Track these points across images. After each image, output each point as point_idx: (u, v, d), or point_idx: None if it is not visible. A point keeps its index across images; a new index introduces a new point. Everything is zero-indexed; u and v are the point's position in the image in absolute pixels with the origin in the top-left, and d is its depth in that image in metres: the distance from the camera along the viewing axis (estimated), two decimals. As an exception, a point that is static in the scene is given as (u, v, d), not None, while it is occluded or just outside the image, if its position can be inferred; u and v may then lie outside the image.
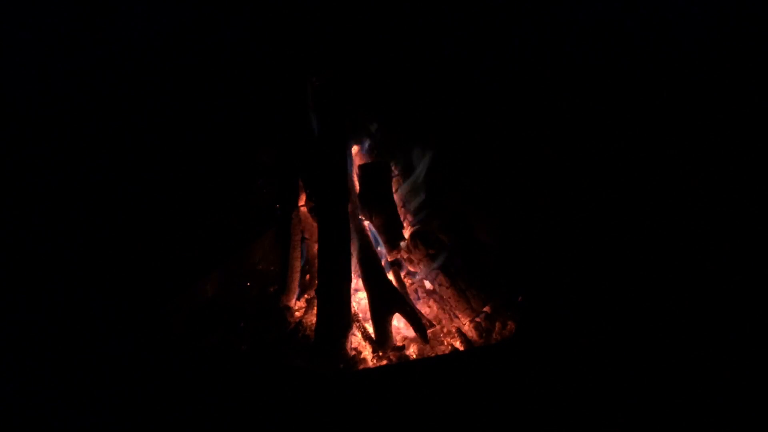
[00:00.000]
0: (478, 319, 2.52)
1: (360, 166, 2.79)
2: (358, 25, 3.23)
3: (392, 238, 2.58)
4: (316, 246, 2.65)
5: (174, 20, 3.34)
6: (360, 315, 2.56)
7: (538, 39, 3.32)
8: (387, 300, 2.40)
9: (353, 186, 2.80)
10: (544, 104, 3.19)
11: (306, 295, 2.77)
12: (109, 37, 3.31)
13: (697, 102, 3.09)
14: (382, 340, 2.35)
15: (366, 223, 2.70)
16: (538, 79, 3.29)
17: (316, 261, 2.58)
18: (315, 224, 2.69)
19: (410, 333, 2.49)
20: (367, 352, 2.38)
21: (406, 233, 2.72)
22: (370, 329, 2.47)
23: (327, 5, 3.23)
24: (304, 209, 2.81)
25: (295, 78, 3.00)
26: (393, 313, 2.38)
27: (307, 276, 2.80)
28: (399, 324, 2.55)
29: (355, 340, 2.43)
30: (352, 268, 2.49)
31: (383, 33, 3.27)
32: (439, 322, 2.57)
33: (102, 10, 3.28)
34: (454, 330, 2.49)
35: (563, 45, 3.31)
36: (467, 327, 2.49)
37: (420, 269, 2.67)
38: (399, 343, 2.40)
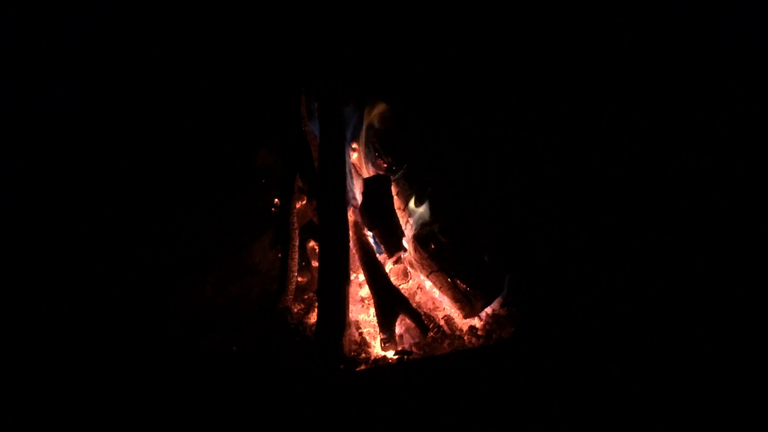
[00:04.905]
0: (478, 320, 2.53)
1: (362, 180, 2.88)
2: (363, 27, 3.24)
3: (393, 248, 2.66)
4: (317, 247, 2.66)
5: (173, 19, 3.34)
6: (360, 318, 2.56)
7: (537, 41, 3.33)
8: (393, 303, 2.44)
9: (355, 196, 2.85)
10: (543, 105, 3.20)
11: (306, 296, 2.77)
12: (106, 36, 3.30)
13: (697, 101, 3.10)
14: (388, 340, 2.37)
15: (368, 232, 2.78)
16: (536, 80, 3.29)
17: (316, 262, 2.59)
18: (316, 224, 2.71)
19: (408, 335, 2.49)
20: (375, 349, 2.40)
21: (408, 237, 2.74)
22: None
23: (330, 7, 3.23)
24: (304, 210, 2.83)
25: (294, 78, 3.00)
26: (398, 315, 2.41)
27: (308, 276, 2.81)
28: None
29: (353, 341, 2.43)
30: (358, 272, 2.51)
31: (388, 35, 3.28)
32: (433, 320, 2.57)
33: (100, 8, 3.27)
34: (453, 331, 2.49)
35: (561, 47, 3.32)
36: (467, 327, 2.50)
37: (421, 271, 2.67)
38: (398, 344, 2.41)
